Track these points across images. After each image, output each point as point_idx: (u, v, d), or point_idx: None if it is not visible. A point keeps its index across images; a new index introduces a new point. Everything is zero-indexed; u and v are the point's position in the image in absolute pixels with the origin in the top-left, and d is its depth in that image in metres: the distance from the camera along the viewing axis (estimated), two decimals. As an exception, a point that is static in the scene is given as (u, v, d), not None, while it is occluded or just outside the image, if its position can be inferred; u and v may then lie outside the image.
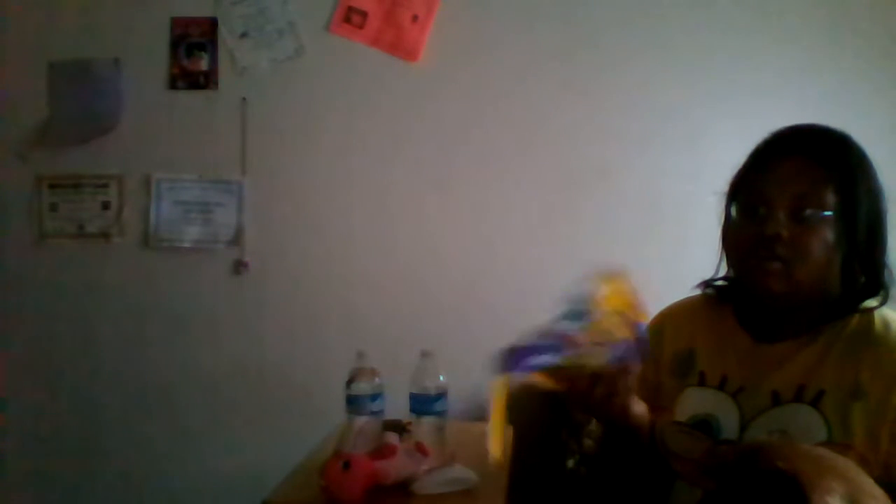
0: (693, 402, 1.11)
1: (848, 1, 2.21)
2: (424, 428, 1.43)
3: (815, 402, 1.00)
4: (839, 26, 2.19)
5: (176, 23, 2.32)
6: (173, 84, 2.33)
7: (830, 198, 1.01)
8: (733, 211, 1.10)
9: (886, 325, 1.03)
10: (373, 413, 1.46)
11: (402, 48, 2.27)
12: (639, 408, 1.09)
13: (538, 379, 0.99)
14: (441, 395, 1.45)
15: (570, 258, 2.25)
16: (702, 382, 1.11)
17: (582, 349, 0.95)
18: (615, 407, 1.03)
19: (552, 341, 0.95)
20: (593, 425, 1.90)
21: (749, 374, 1.08)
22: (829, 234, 1.01)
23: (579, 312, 0.96)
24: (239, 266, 2.32)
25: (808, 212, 1.01)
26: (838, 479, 0.75)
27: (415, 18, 2.26)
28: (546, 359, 0.95)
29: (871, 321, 1.04)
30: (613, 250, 2.24)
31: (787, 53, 2.20)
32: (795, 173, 1.03)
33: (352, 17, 2.28)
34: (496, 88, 2.26)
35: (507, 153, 2.26)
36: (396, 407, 1.51)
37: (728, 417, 1.06)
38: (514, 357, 0.95)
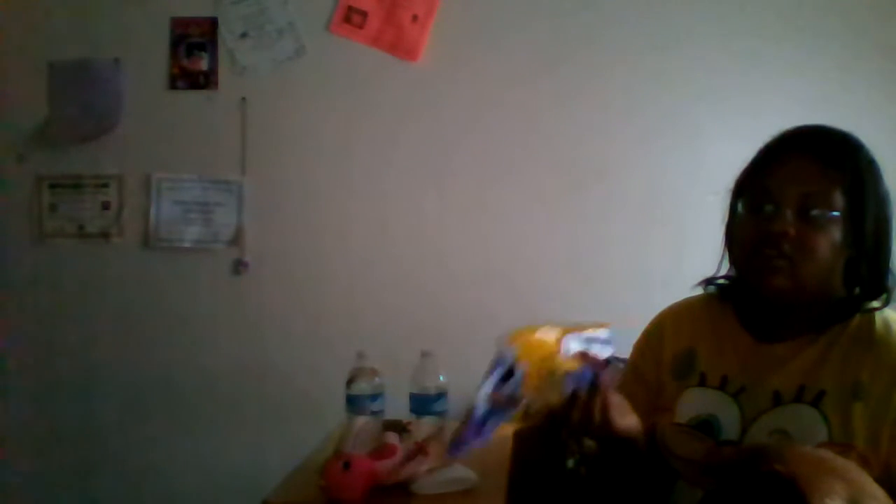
0: (694, 403, 1.11)
1: (849, 1, 2.21)
2: (424, 428, 1.43)
3: (816, 403, 1.00)
4: (840, 27, 2.19)
5: (176, 23, 2.31)
6: (173, 84, 2.33)
7: (838, 199, 1.01)
8: (739, 208, 1.09)
9: (887, 325, 1.03)
10: (373, 413, 1.46)
11: (402, 48, 2.27)
12: (626, 421, 1.05)
13: (506, 429, 1.03)
14: (441, 395, 1.45)
15: (569, 258, 2.26)
16: (702, 383, 1.11)
17: (529, 399, 0.98)
18: (596, 428, 1.02)
19: (495, 407, 0.98)
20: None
21: (750, 374, 1.07)
22: (835, 235, 1.01)
23: (508, 373, 0.98)
24: (239, 266, 2.32)
25: (816, 211, 1.01)
26: (839, 480, 0.75)
27: (415, 18, 2.26)
28: (499, 419, 0.99)
29: (871, 322, 1.04)
30: (613, 250, 2.24)
31: (787, 54, 2.20)
32: (804, 172, 1.03)
33: (352, 17, 2.28)
34: (496, 88, 2.25)
35: (506, 153, 2.26)
36: (396, 407, 1.52)
37: (729, 418, 1.06)
38: (463, 440, 0.99)
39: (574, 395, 1.00)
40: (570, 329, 1.02)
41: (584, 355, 1.01)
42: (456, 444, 1.01)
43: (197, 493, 2.30)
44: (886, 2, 2.20)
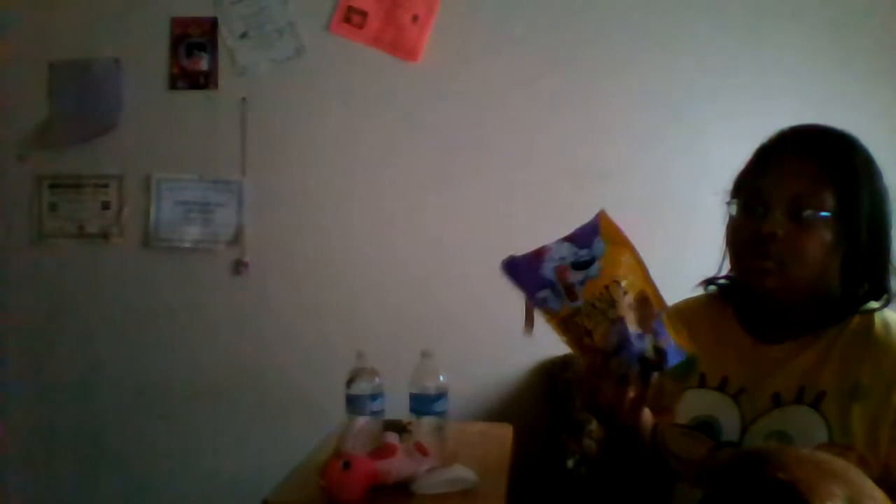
0: (694, 404, 1.11)
1: (850, 2, 2.21)
2: (424, 428, 1.43)
3: (816, 404, 1.00)
4: (841, 26, 2.19)
5: (176, 23, 2.32)
6: (173, 84, 2.33)
7: (829, 199, 1.01)
8: (734, 209, 1.09)
9: (887, 326, 1.03)
10: (373, 413, 1.46)
11: (402, 48, 2.27)
12: (645, 415, 1.06)
13: (551, 322, 0.96)
14: (441, 395, 1.45)
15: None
16: (702, 384, 1.11)
17: (581, 304, 0.93)
18: (619, 414, 0.97)
19: (554, 280, 0.94)
20: (594, 425, 1.90)
21: (750, 375, 1.07)
22: (826, 235, 1.01)
23: (584, 262, 0.94)
24: (239, 266, 2.32)
25: (807, 212, 1.01)
26: (838, 481, 0.75)
27: (415, 18, 2.26)
28: (547, 295, 0.94)
29: (871, 322, 1.04)
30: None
31: (788, 54, 2.20)
32: (795, 173, 1.03)
33: (352, 17, 2.28)
34: (496, 89, 2.26)
35: (507, 153, 2.26)
36: (396, 407, 1.51)
37: (729, 419, 1.06)
38: (518, 269, 0.97)
39: (608, 355, 0.92)
40: (657, 295, 0.95)
41: (646, 322, 0.92)
42: (511, 264, 0.97)
43: (197, 492, 2.30)
44: (887, 3, 2.21)
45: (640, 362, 0.93)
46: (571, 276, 0.93)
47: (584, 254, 0.94)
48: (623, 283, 0.94)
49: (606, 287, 0.93)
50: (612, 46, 2.23)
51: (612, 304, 0.93)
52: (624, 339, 0.92)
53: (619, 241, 0.96)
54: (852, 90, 2.16)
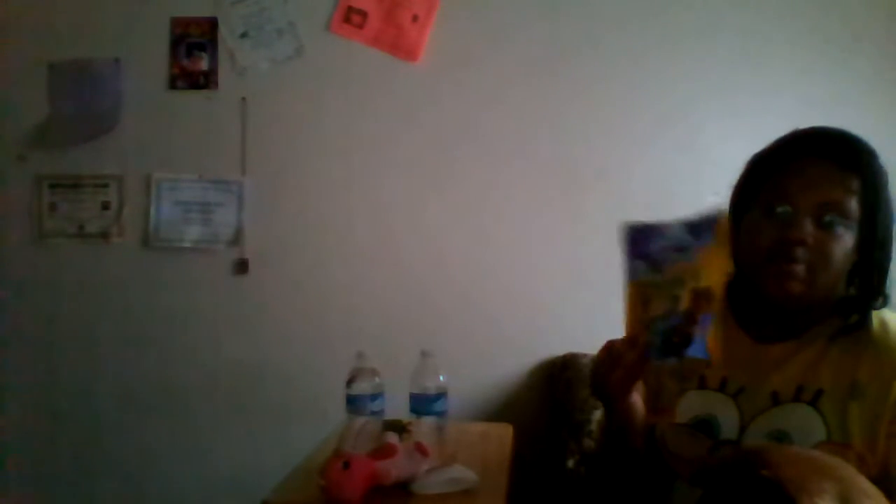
0: (694, 404, 1.11)
1: (849, 2, 2.21)
2: (424, 428, 1.43)
3: (814, 402, 1.00)
4: (840, 27, 2.19)
5: (176, 23, 2.32)
6: (173, 84, 2.33)
7: (854, 207, 1.01)
8: (753, 210, 1.08)
9: (884, 325, 1.03)
10: (373, 413, 1.46)
11: (402, 48, 2.27)
12: (636, 400, 1.08)
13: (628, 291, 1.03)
14: (441, 395, 1.45)
15: (569, 259, 2.26)
16: (702, 385, 1.11)
17: (661, 279, 0.99)
18: (611, 383, 1.04)
19: (654, 255, 1.01)
20: (594, 425, 1.90)
21: (749, 374, 1.07)
22: (848, 242, 1.01)
23: (701, 229, 0.98)
24: (239, 266, 2.32)
25: (833, 219, 1.01)
26: (830, 479, 0.75)
27: (415, 18, 2.26)
28: (639, 266, 1.03)
29: (869, 321, 1.04)
30: (613, 251, 2.23)
31: (788, 53, 2.20)
32: (823, 180, 1.02)
33: (352, 17, 2.28)
34: (496, 89, 2.26)
35: (506, 153, 2.26)
36: (396, 407, 1.52)
37: (728, 418, 1.06)
38: (634, 236, 1.06)
39: (647, 325, 0.99)
40: (719, 299, 0.99)
41: (691, 317, 0.96)
42: (632, 229, 1.05)
43: (197, 492, 2.30)
44: (886, 3, 2.21)
45: (664, 334, 0.98)
46: (669, 256, 1.00)
47: (689, 241, 0.99)
48: (702, 274, 0.98)
49: (687, 271, 0.98)
50: (611, 46, 2.24)
51: (681, 284, 0.98)
52: (668, 313, 0.98)
53: (723, 244, 1.00)
54: (852, 90, 2.16)
